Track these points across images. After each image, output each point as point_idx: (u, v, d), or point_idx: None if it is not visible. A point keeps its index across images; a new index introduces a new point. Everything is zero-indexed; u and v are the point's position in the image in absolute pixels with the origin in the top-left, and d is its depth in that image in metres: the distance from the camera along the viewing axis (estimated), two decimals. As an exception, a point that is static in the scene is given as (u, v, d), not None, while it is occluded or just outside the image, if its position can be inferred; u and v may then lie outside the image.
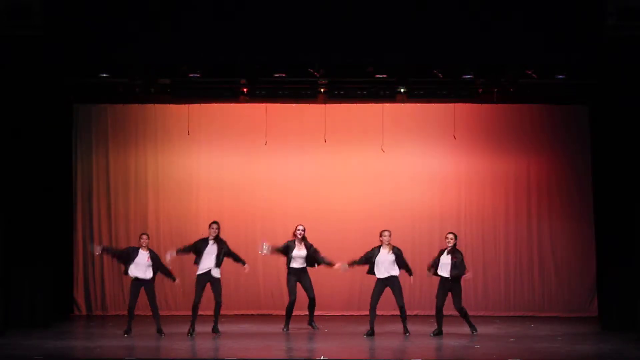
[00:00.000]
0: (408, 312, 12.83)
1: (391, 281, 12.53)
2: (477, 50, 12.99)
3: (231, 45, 12.95)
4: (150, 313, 12.45)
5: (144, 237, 12.51)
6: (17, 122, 13.08)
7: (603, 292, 13.85)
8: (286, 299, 13.15)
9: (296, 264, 12.93)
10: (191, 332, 12.39)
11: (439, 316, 12.55)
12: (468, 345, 11.72)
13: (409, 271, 12.70)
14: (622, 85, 13.01)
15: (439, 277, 12.60)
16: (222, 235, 12.70)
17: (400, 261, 12.60)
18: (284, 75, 13.73)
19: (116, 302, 15.11)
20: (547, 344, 11.76)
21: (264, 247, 12.79)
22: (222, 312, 12.77)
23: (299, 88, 14.23)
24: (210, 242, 12.52)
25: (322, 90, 14.37)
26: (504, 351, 11.07)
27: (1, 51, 12.76)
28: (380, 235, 12.63)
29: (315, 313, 13.22)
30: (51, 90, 13.68)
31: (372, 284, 12.95)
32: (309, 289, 12.98)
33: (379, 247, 12.60)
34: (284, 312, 13.14)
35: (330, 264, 13.05)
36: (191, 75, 13.73)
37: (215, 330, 12.56)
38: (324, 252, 13.16)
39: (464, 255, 12.74)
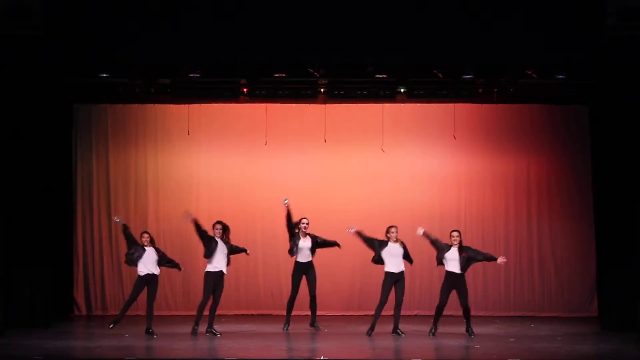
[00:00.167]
0: (408, 312, 12.84)
1: (401, 276, 12.52)
2: (477, 50, 12.99)
3: (231, 45, 12.95)
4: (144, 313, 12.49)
5: (145, 235, 12.55)
6: (17, 122, 13.08)
7: (603, 292, 13.85)
8: (286, 299, 13.13)
9: (302, 257, 12.94)
10: (195, 330, 12.41)
11: (439, 314, 12.53)
12: (468, 345, 11.71)
13: (410, 261, 12.71)
14: (622, 85, 13.01)
15: (443, 274, 12.53)
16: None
17: (406, 254, 12.64)
18: (284, 75, 13.74)
19: (116, 302, 15.10)
20: (547, 344, 11.76)
21: (284, 201, 12.77)
22: (223, 312, 12.78)
23: (299, 88, 14.24)
24: (219, 241, 12.53)
25: (322, 90, 14.38)
26: (504, 351, 11.07)
27: (1, 51, 12.76)
28: (388, 232, 12.60)
29: (316, 312, 13.21)
30: (51, 90, 13.68)
31: (372, 284, 12.95)
32: (312, 284, 12.97)
33: (386, 242, 12.57)
34: (284, 312, 13.14)
35: (335, 244, 13.07)
36: (191, 75, 13.74)
37: (212, 330, 12.53)
38: (324, 253, 13.18)
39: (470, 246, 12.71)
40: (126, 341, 11.93)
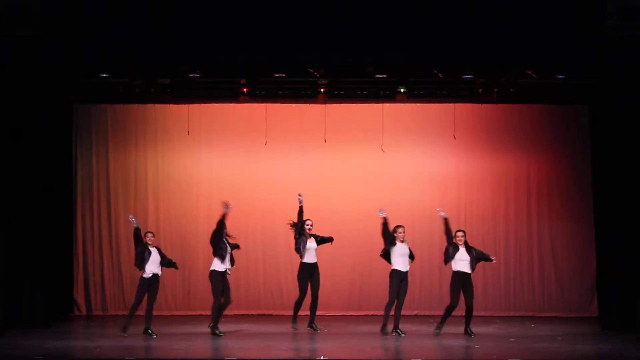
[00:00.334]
0: (408, 312, 12.83)
1: (406, 276, 12.50)
2: (477, 50, 12.99)
3: (231, 45, 12.95)
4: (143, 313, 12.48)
5: (149, 235, 12.53)
6: (17, 122, 13.08)
7: (603, 292, 13.84)
8: (286, 299, 13.18)
9: (309, 258, 12.94)
10: (220, 332, 12.38)
11: (448, 315, 12.38)
12: (468, 345, 11.71)
13: (412, 257, 12.72)
14: (622, 85, 13.01)
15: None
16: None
17: (411, 253, 12.65)
18: (284, 75, 13.73)
19: (116, 302, 15.12)
20: (547, 344, 11.76)
21: (299, 197, 12.79)
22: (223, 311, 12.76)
23: (299, 88, 14.23)
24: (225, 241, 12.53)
25: (322, 90, 14.38)
26: (504, 351, 11.07)
27: (1, 51, 12.76)
28: (395, 231, 12.57)
29: (316, 313, 13.21)
30: (51, 90, 13.68)
31: (372, 284, 12.97)
32: (316, 285, 12.97)
33: (394, 241, 12.55)
34: (284, 312, 13.15)
35: (330, 239, 13.11)
36: (191, 75, 13.73)
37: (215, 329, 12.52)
38: (324, 253, 13.19)
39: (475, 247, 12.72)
40: (126, 341, 11.92)
